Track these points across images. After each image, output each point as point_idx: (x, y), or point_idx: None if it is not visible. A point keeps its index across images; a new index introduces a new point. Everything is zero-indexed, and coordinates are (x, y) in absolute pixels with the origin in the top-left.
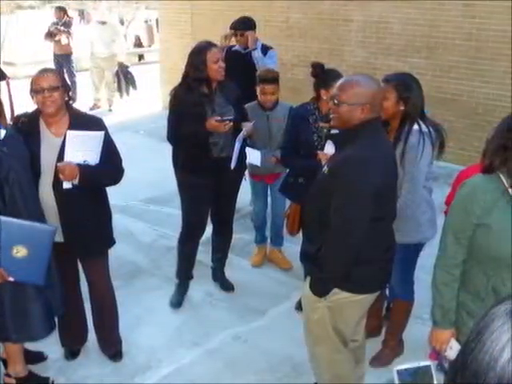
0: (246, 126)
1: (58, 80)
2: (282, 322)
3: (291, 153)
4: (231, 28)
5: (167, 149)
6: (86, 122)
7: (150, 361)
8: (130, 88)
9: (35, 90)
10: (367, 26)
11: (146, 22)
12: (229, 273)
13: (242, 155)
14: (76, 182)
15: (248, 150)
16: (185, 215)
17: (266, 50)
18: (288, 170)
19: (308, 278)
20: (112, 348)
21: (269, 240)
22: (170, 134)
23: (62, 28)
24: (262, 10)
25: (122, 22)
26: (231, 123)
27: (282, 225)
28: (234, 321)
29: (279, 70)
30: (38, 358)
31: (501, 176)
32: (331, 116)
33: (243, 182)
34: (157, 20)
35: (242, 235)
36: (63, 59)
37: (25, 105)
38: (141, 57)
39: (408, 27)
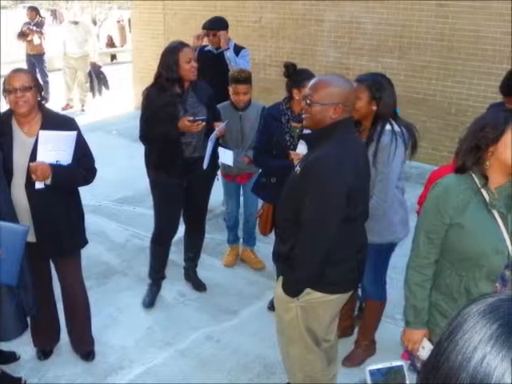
0: (219, 126)
1: (30, 80)
2: (254, 321)
3: (264, 153)
4: (204, 28)
5: (140, 149)
6: (58, 121)
7: (122, 361)
8: (103, 88)
9: (8, 90)
10: (340, 26)
11: (119, 21)
12: (201, 273)
13: (215, 155)
14: (48, 182)
15: (220, 149)
16: (157, 215)
17: (238, 49)
18: (260, 170)
19: (280, 278)
20: (84, 348)
21: (241, 240)
22: (143, 134)
23: (35, 28)
24: (235, 10)
25: (94, 22)
26: (204, 123)
27: (254, 225)
28: (207, 321)
29: (252, 70)
30: (10, 358)
31: (473, 176)
32: (303, 116)
33: (216, 181)
34: (129, 20)
35: (215, 235)
36: (36, 59)
37: None
38: (113, 57)
39: (380, 27)
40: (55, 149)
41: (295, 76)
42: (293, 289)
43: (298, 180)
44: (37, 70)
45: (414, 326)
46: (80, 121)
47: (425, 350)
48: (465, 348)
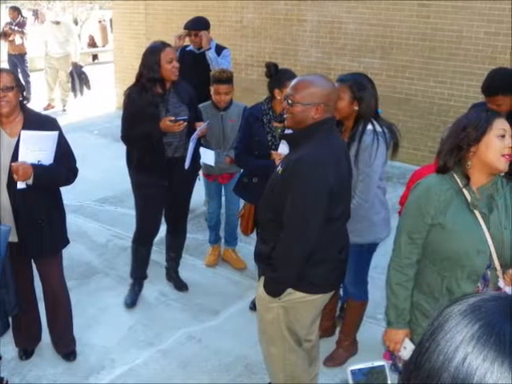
0: (200, 126)
1: (12, 80)
2: (235, 321)
3: (245, 153)
4: (185, 28)
5: (121, 149)
6: (40, 122)
7: (103, 361)
8: (84, 88)
9: None
10: (321, 26)
11: (100, 21)
12: (183, 273)
13: (196, 155)
14: (30, 182)
15: (202, 149)
16: (139, 215)
17: (220, 49)
18: (242, 170)
19: (262, 278)
20: (66, 348)
21: (223, 240)
22: (124, 134)
23: (16, 28)
24: (216, 10)
25: (76, 22)
26: (185, 123)
27: (236, 225)
28: (188, 321)
29: (233, 70)
30: None
31: (455, 176)
32: (285, 116)
33: (197, 181)
34: (111, 20)
35: (196, 235)
36: (17, 59)
37: None
38: (95, 57)
39: (362, 27)
40: (37, 149)
41: (277, 76)
42: (274, 289)
43: (279, 180)
44: (18, 70)
45: (396, 326)
46: (61, 121)
47: (406, 350)
48: (446, 348)
